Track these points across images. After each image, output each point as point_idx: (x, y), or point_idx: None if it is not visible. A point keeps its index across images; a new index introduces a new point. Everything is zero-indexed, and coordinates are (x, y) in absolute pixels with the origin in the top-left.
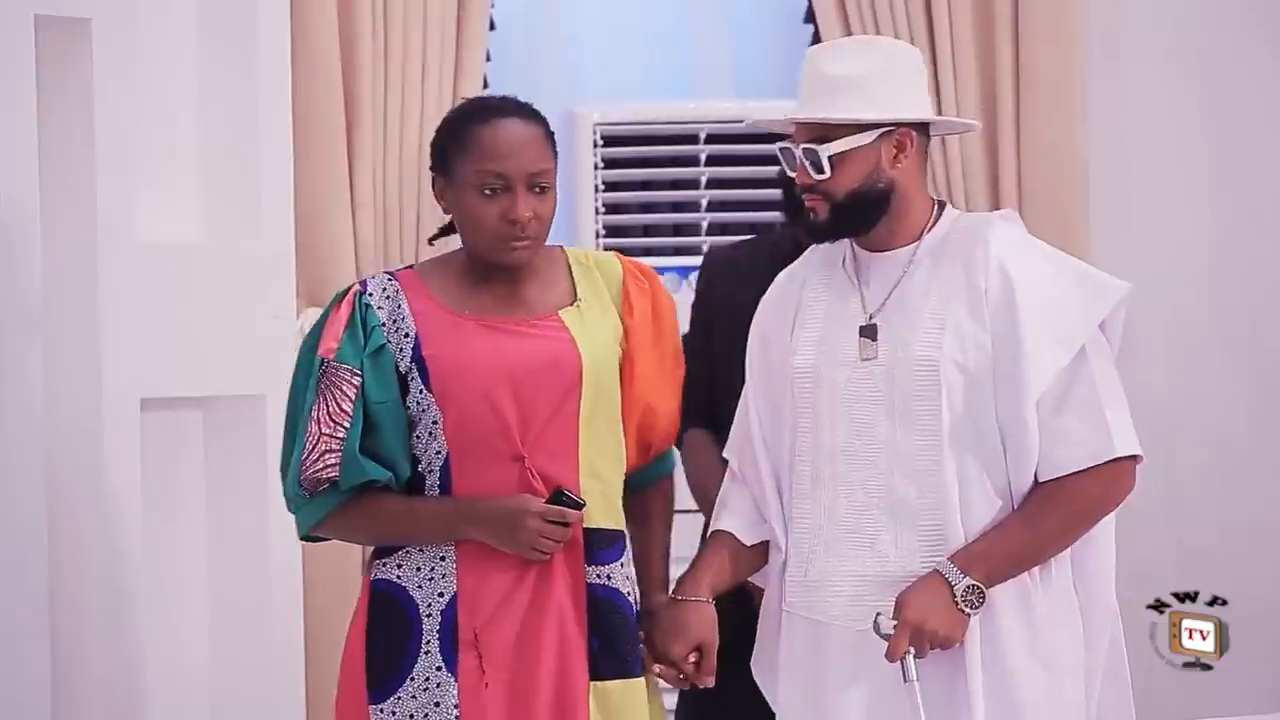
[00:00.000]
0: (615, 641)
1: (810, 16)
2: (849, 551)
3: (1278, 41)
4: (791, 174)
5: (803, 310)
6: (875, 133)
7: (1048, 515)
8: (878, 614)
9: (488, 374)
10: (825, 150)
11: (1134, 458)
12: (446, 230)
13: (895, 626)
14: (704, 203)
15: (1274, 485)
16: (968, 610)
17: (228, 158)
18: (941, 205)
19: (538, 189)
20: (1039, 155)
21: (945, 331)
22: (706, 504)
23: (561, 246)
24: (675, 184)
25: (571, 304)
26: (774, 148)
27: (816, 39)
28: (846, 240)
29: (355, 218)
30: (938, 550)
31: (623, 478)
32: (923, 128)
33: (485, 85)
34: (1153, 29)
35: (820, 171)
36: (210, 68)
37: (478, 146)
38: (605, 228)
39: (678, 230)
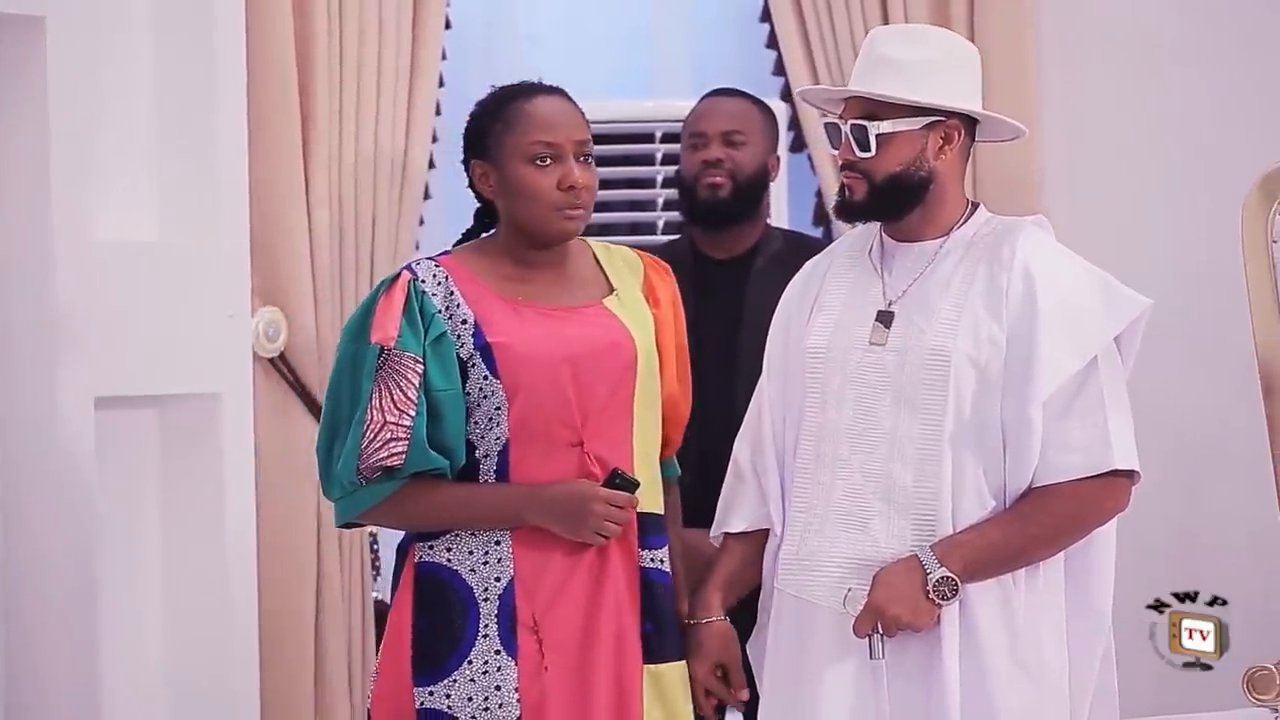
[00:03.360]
0: (666, 625)
1: (766, 15)
2: (841, 534)
3: (1230, 41)
4: (834, 150)
5: (823, 294)
6: (925, 119)
7: (1036, 518)
8: (849, 588)
9: (554, 360)
10: (874, 128)
11: (1131, 474)
12: (476, 230)
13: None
14: (660, 201)
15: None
16: (938, 601)
17: (183, 156)
18: (975, 205)
19: (586, 159)
20: (993, 155)
21: (961, 324)
22: None
23: (586, 240)
24: (631, 183)
25: (610, 293)
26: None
27: (773, 38)
28: (877, 228)
29: (311, 216)
30: (927, 540)
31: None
32: (970, 125)
33: (441, 84)
34: (1107, 29)
35: (865, 149)
36: (166, 66)
37: (526, 120)
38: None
39: (634, 229)
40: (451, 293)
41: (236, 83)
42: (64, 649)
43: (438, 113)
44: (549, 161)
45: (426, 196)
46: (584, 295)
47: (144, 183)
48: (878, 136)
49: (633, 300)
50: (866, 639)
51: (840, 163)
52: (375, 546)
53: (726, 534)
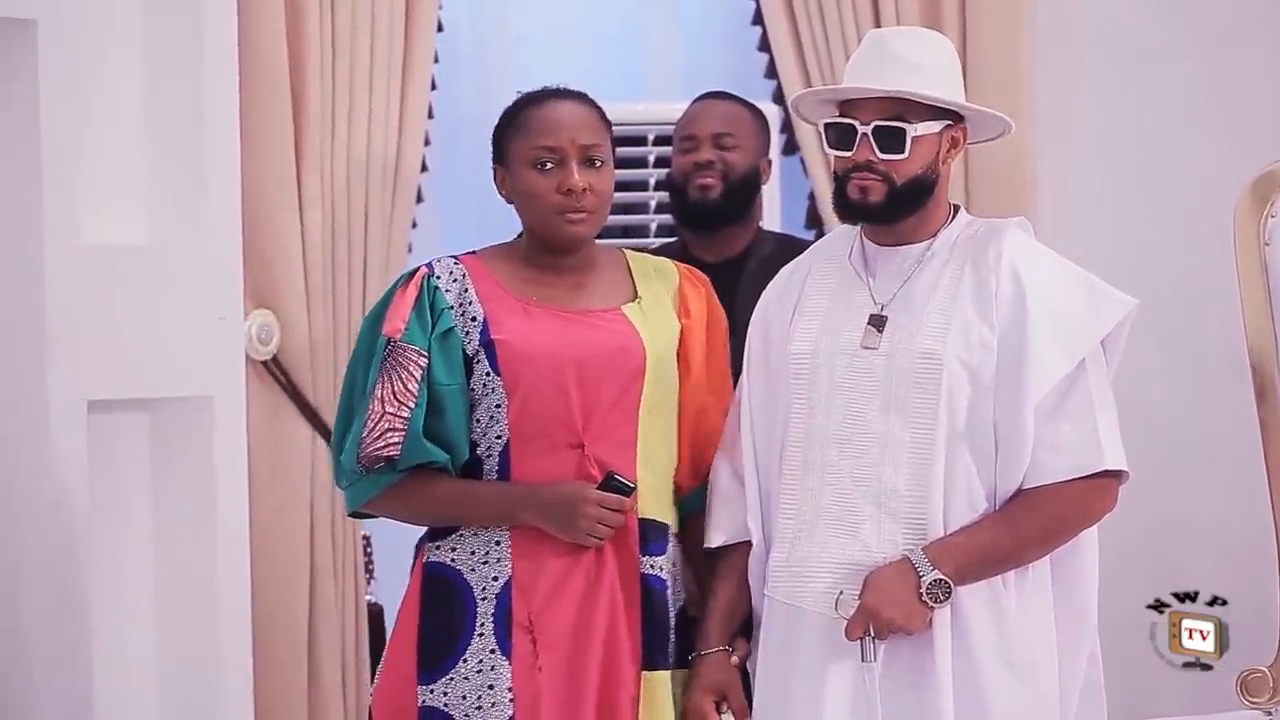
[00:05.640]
0: (664, 632)
1: (758, 18)
2: (831, 539)
3: (1221, 43)
4: (836, 150)
5: (804, 299)
6: (944, 122)
7: (1027, 519)
8: (841, 591)
9: (556, 360)
10: (912, 130)
11: (1119, 475)
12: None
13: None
14: (652, 204)
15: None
16: (931, 604)
17: (174, 159)
18: (956, 208)
19: (592, 162)
20: (986, 156)
21: (951, 328)
22: None
23: (622, 250)
24: (623, 185)
25: (633, 301)
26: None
27: (765, 41)
28: (857, 231)
29: (303, 218)
30: (918, 544)
31: (673, 474)
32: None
33: (433, 87)
34: (1099, 30)
35: (899, 151)
36: (157, 68)
37: (530, 125)
38: None
39: (626, 232)
40: (466, 290)
41: (228, 85)
42: (57, 652)
43: (430, 115)
44: (550, 166)
45: (419, 199)
46: (602, 300)
47: (135, 185)
48: (914, 139)
49: (657, 309)
50: (858, 642)
51: (850, 163)
52: (369, 549)
53: (716, 552)
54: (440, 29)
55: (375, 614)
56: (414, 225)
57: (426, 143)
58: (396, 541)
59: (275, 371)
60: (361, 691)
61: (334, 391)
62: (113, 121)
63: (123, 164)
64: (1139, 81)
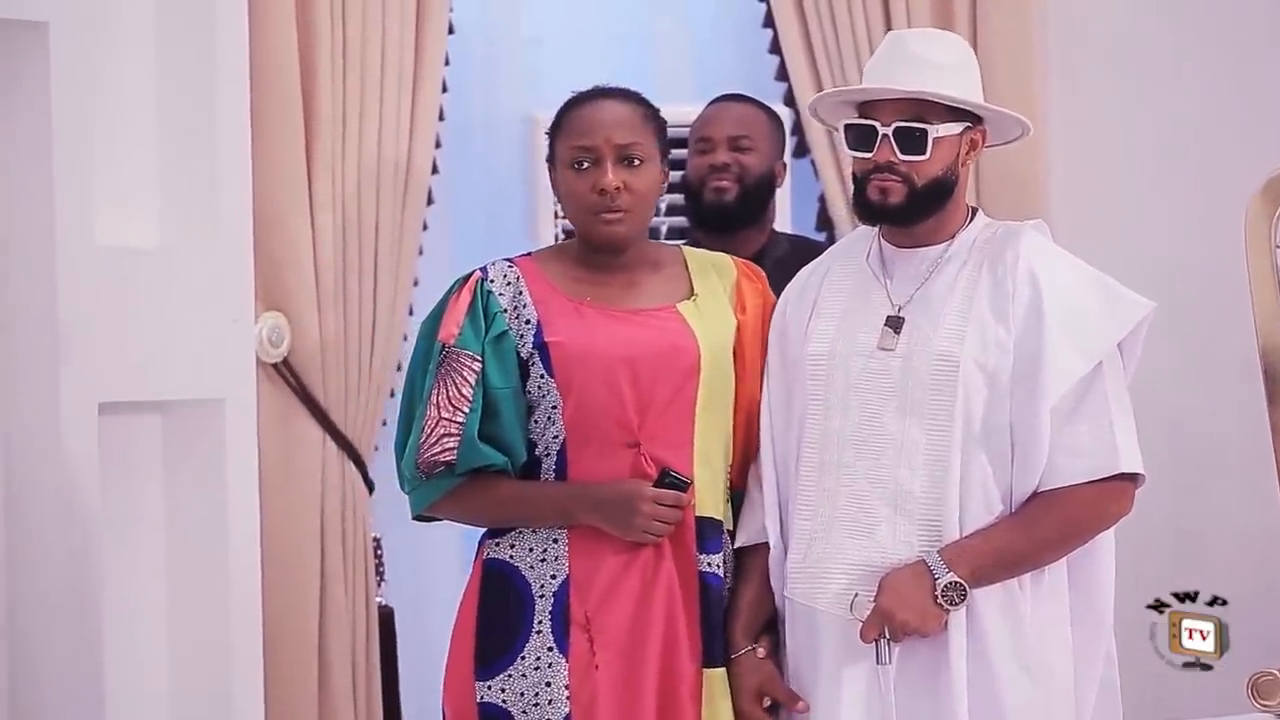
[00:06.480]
0: (719, 629)
1: (769, 21)
2: (847, 540)
3: (1231, 45)
4: (857, 151)
5: (821, 300)
6: (964, 124)
7: (1043, 522)
8: (856, 594)
9: (609, 360)
10: (933, 131)
11: (1135, 478)
12: None
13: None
14: (663, 206)
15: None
16: (946, 606)
17: (186, 161)
18: (974, 210)
19: (630, 161)
20: (998, 158)
21: (968, 330)
22: None
23: (680, 246)
24: None
25: (688, 298)
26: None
27: (775, 43)
28: (875, 233)
29: (314, 221)
30: (934, 545)
31: (727, 471)
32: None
33: (445, 89)
34: (1110, 32)
35: (919, 152)
36: (168, 71)
37: (569, 125)
38: (565, 232)
39: None
40: (520, 293)
41: (239, 88)
42: (67, 655)
43: (441, 117)
44: (586, 165)
45: (430, 201)
46: (657, 299)
47: (147, 187)
48: (935, 140)
49: (713, 306)
50: (874, 644)
51: (871, 165)
52: (379, 552)
53: (739, 552)
54: (451, 31)
55: (386, 617)
56: (425, 227)
57: (437, 145)
58: (407, 544)
59: (286, 374)
60: (372, 693)
61: (345, 393)
62: (124, 124)
63: (134, 166)
64: (1150, 83)
